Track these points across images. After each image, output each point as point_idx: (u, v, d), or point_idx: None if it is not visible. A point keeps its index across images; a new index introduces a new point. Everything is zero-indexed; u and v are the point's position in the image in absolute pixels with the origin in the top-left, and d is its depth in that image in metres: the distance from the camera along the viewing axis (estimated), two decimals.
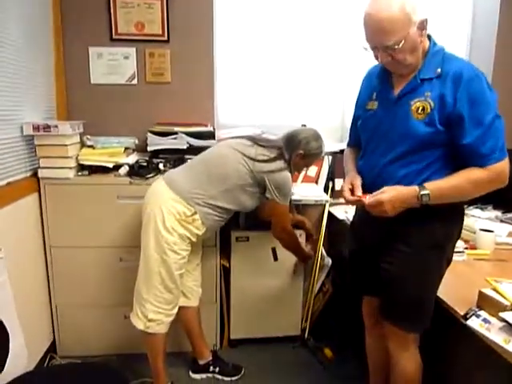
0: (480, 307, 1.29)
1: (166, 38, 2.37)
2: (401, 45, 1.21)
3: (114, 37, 2.34)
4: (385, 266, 1.39)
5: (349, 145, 1.65)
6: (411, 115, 1.28)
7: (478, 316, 1.25)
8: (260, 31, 2.59)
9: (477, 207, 2.51)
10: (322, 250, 2.43)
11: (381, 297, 1.46)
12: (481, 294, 1.31)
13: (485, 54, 2.73)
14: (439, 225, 1.33)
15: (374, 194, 1.31)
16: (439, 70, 1.26)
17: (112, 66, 2.38)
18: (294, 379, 2.09)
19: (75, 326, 2.15)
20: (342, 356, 2.22)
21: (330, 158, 2.58)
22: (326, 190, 2.53)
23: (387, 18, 1.18)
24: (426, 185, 1.26)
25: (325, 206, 2.42)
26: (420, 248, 1.33)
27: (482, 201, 2.51)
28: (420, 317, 1.38)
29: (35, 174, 2.00)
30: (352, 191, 1.40)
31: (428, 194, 1.25)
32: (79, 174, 2.07)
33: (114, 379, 1.40)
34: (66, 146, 1.98)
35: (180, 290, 1.80)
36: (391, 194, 1.28)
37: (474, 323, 1.24)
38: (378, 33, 1.22)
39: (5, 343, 1.31)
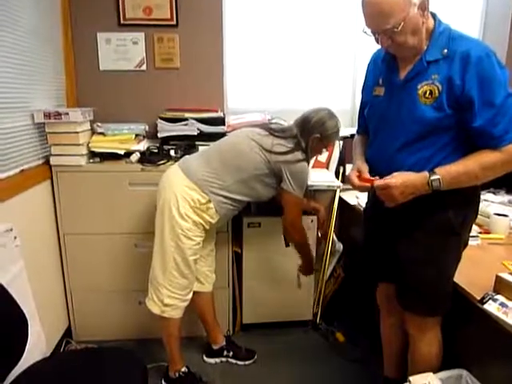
0: (497, 291, 1.28)
1: (174, 23, 2.34)
2: (400, 27, 1.16)
3: (122, 22, 2.31)
4: (401, 252, 1.38)
5: (358, 132, 1.62)
6: (418, 100, 1.25)
7: (495, 300, 1.25)
8: (269, 15, 2.54)
9: (489, 191, 2.48)
10: (333, 235, 2.43)
11: (397, 283, 1.46)
12: (498, 278, 1.30)
13: (499, 30, 2.66)
14: (454, 210, 1.31)
15: (384, 178, 1.29)
16: (446, 50, 1.21)
17: (121, 51, 2.36)
18: (305, 363, 2.11)
19: (90, 311, 2.18)
20: (353, 340, 2.24)
21: (341, 142, 2.55)
22: (337, 175, 2.52)
23: (386, 1, 1.14)
24: (437, 170, 1.24)
25: (336, 191, 2.41)
26: (436, 234, 1.32)
27: (495, 185, 2.48)
28: (437, 302, 1.38)
29: (47, 162, 2.01)
30: (359, 178, 1.38)
31: (438, 179, 1.22)
32: (91, 161, 2.08)
33: (130, 363, 1.41)
34: (77, 133, 1.97)
35: (195, 275, 1.81)
36: (400, 180, 1.25)
37: (491, 307, 1.23)
38: (375, 16, 1.18)
39: (24, 330, 1.33)
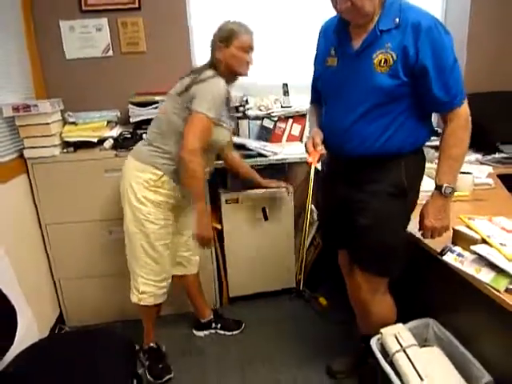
0: (455, 243, 1.38)
1: (137, 6, 2.32)
2: None
3: (83, 8, 2.29)
4: (355, 217, 1.45)
5: (311, 101, 1.65)
6: (374, 68, 1.29)
7: (452, 251, 1.34)
8: None
9: None
10: (311, 205, 2.51)
11: (351, 246, 1.54)
12: (455, 231, 1.39)
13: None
14: (404, 171, 1.38)
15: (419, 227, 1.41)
16: (397, 19, 1.26)
17: (85, 38, 2.35)
18: (291, 328, 2.21)
19: (78, 297, 2.24)
20: (335, 303, 2.34)
21: None
22: None
23: None
24: (440, 181, 1.34)
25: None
26: (388, 198, 1.39)
27: None
28: (389, 262, 1.45)
29: (21, 155, 2.02)
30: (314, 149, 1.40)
31: (449, 187, 1.33)
32: (64, 151, 2.09)
33: (119, 343, 1.48)
34: (48, 124, 1.99)
35: (168, 261, 1.84)
36: (433, 218, 1.36)
37: (449, 258, 1.33)
38: None
39: (12, 316, 1.38)
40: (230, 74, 1.75)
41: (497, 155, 2.52)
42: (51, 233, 2.14)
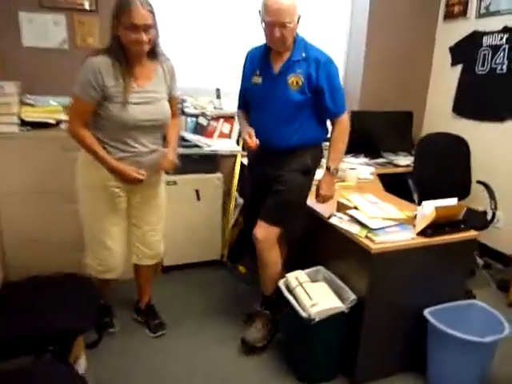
0: (338, 211, 1.99)
1: (94, 8, 2.64)
2: (292, 25, 1.75)
3: (43, 3, 2.55)
4: (273, 185, 1.97)
5: (239, 107, 2.16)
6: (288, 87, 1.87)
7: (336, 216, 1.94)
8: None
9: (352, 156, 3.28)
10: (235, 193, 3.02)
11: (263, 207, 2.01)
12: (338, 203, 2.01)
13: (359, 42, 3.46)
14: (309, 157, 1.98)
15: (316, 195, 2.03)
16: (304, 54, 1.85)
17: (43, 30, 2.59)
18: (217, 291, 2.68)
19: (27, 265, 2.34)
20: (252, 270, 2.86)
21: None
22: (237, 143, 3.09)
23: (289, 4, 1.72)
24: (330, 164, 1.96)
25: (237, 155, 3.00)
26: (298, 172, 1.96)
27: (356, 151, 3.28)
28: (284, 215, 1.99)
29: None
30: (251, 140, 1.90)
31: (335, 168, 1.96)
32: (22, 129, 2.34)
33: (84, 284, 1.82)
34: (9, 104, 2.24)
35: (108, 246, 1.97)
36: (325, 189, 1.97)
37: (333, 220, 1.93)
38: (282, 11, 1.71)
39: None
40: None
41: (379, 160, 3.28)
42: (4, 201, 2.36)
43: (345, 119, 1.95)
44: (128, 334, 2.23)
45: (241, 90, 2.12)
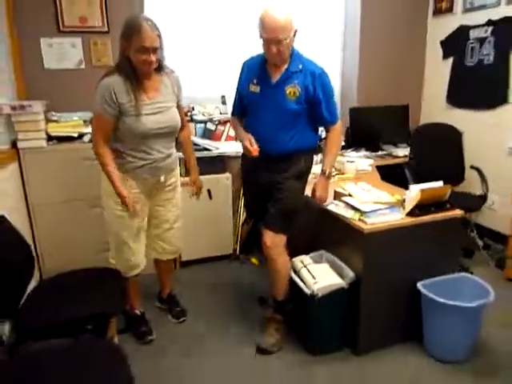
0: (335, 199, 2.20)
1: (106, 29, 2.92)
2: (288, 40, 1.87)
3: (61, 29, 2.83)
4: (274, 193, 2.08)
5: (234, 114, 2.23)
6: (286, 97, 1.97)
7: (333, 203, 2.16)
8: (190, 12, 3.19)
9: (352, 150, 3.48)
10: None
11: (267, 215, 2.09)
12: (335, 192, 2.22)
13: (354, 43, 3.66)
14: (304, 163, 2.10)
15: (315, 196, 2.15)
16: (300, 66, 1.97)
17: (61, 53, 2.87)
18: (232, 281, 2.92)
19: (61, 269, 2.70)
20: (263, 262, 3.07)
21: None
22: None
23: (285, 21, 1.81)
24: (325, 168, 2.08)
25: None
26: (294, 177, 2.07)
27: (356, 145, 3.48)
28: (290, 221, 2.08)
29: (14, 146, 2.51)
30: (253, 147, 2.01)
31: (329, 172, 2.10)
32: (50, 143, 2.62)
33: (110, 274, 2.07)
34: (38, 121, 2.51)
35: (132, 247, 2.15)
36: (320, 190, 2.12)
37: (331, 207, 2.14)
38: (278, 28, 1.80)
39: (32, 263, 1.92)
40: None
41: (379, 152, 3.47)
42: (37, 211, 2.62)
43: (338, 126, 2.10)
44: (153, 321, 2.47)
45: (236, 98, 2.19)
